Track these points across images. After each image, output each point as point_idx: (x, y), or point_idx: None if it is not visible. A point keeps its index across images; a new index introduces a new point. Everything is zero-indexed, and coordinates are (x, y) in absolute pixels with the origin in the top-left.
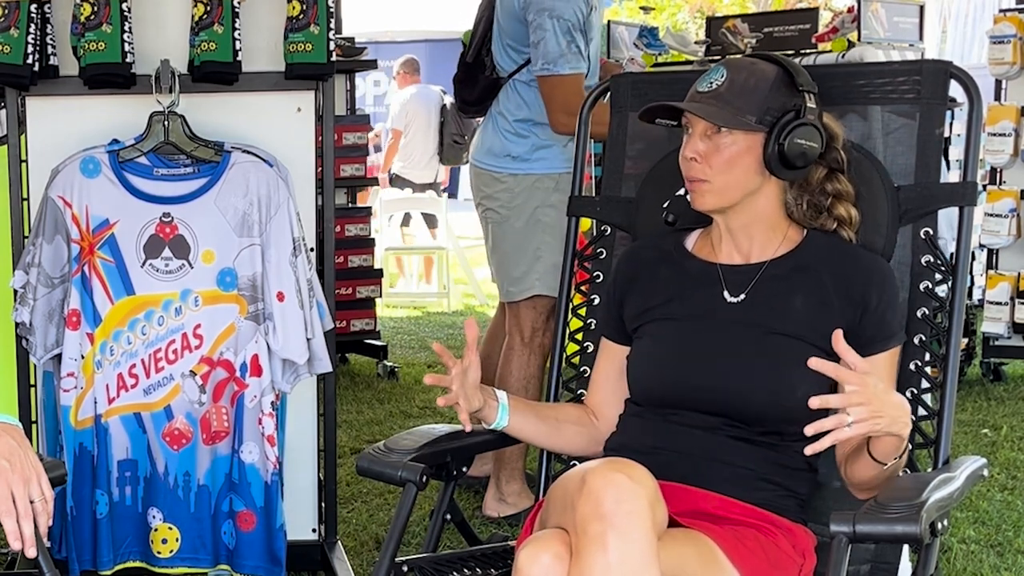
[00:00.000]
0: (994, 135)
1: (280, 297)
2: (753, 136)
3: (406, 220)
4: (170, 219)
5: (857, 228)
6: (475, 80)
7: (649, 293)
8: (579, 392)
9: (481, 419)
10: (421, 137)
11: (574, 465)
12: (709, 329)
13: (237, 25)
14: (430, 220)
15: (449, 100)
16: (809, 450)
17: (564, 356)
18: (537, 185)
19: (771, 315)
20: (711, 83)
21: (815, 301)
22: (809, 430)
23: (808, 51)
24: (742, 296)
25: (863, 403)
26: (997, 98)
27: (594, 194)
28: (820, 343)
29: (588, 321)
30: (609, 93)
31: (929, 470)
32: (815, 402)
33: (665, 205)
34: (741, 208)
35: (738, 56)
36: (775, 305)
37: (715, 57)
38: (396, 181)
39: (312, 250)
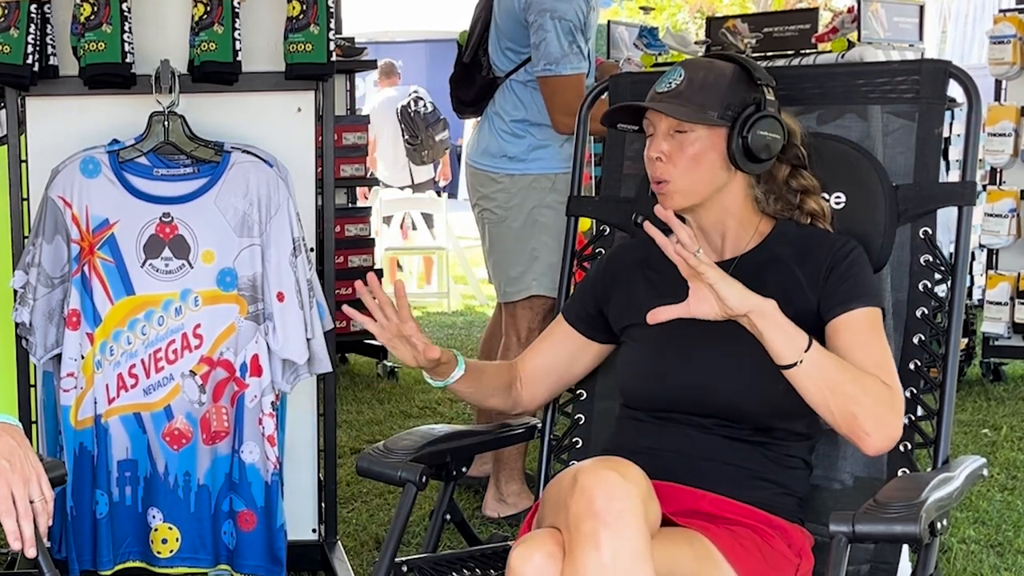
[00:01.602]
0: (994, 135)
1: (280, 297)
2: (716, 131)
3: (404, 222)
4: (170, 219)
5: (831, 219)
6: (472, 80)
7: (631, 297)
8: (578, 392)
9: (434, 371)
10: (392, 142)
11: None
12: (688, 332)
13: (237, 25)
14: (428, 220)
15: (401, 104)
16: (651, 317)
17: None
18: (534, 185)
19: None
20: (670, 83)
21: (786, 289)
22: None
23: (808, 51)
24: None
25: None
26: (997, 98)
27: (594, 194)
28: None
29: None
30: (608, 92)
31: (929, 470)
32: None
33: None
34: (710, 205)
35: (694, 58)
36: None
37: None
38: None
39: (312, 250)
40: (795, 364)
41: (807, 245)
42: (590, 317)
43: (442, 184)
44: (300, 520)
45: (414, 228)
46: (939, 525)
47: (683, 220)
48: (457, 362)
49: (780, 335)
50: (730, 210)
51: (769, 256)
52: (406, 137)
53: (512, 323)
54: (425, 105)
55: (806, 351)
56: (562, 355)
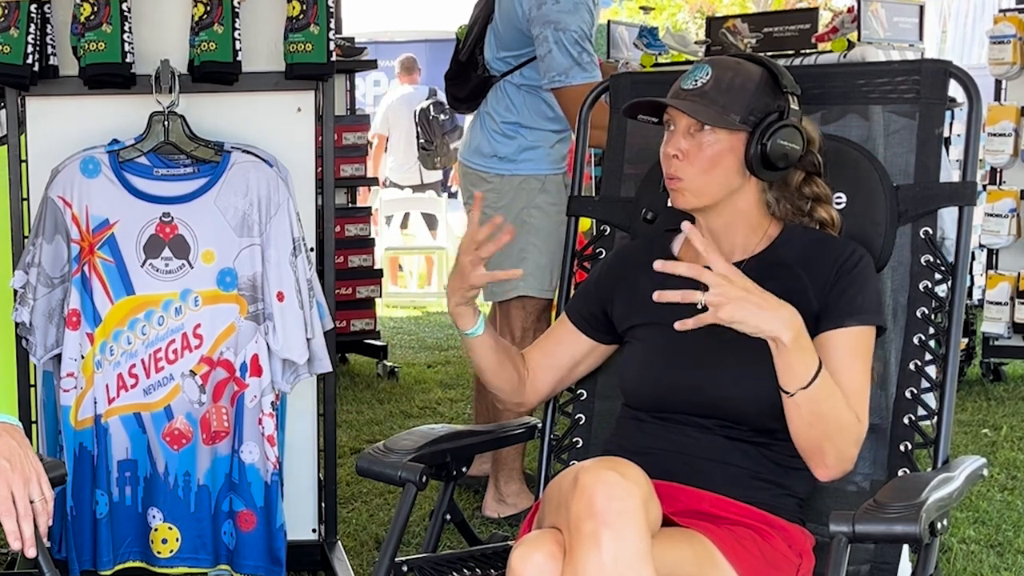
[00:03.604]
0: (994, 135)
1: (280, 297)
2: (736, 135)
3: (405, 221)
4: (170, 219)
5: (840, 229)
6: (467, 78)
7: (634, 298)
8: (579, 392)
9: (461, 316)
10: (404, 140)
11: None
12: (691, 334)
13: (237, 25)
14: (430, 221)
15: (421, 107)
16: (679, 325)
17: None
18: (523, 186)
19: None
20: (696, 80)
21: (791, 293)
22: (677, 326)
23: (808, 51)
24: None
25: (720, 285)
26: (997, 98)
27: (594, 194)
28: None
29: None
30: (609, 93)
31: (929, 470)
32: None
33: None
34: (721, 207)
35: (722, 55)
36: None
37: None
38: (388, 184)
39: (312, 250)
40: (789, 393)
41: (814, 249)
42: (593, 317)
43: (454, 189)
44: (300, 520)
45: (403, 227)
46: (939, 525)
47: (692, 220)
48: (479, 315)
49: (784, 365)
50: (741, 213)
51: (776, 259)
52: (421, 141)
53: (506, 324)
54: (444, 111)
55: (804, 388)
56: (566, 354)
